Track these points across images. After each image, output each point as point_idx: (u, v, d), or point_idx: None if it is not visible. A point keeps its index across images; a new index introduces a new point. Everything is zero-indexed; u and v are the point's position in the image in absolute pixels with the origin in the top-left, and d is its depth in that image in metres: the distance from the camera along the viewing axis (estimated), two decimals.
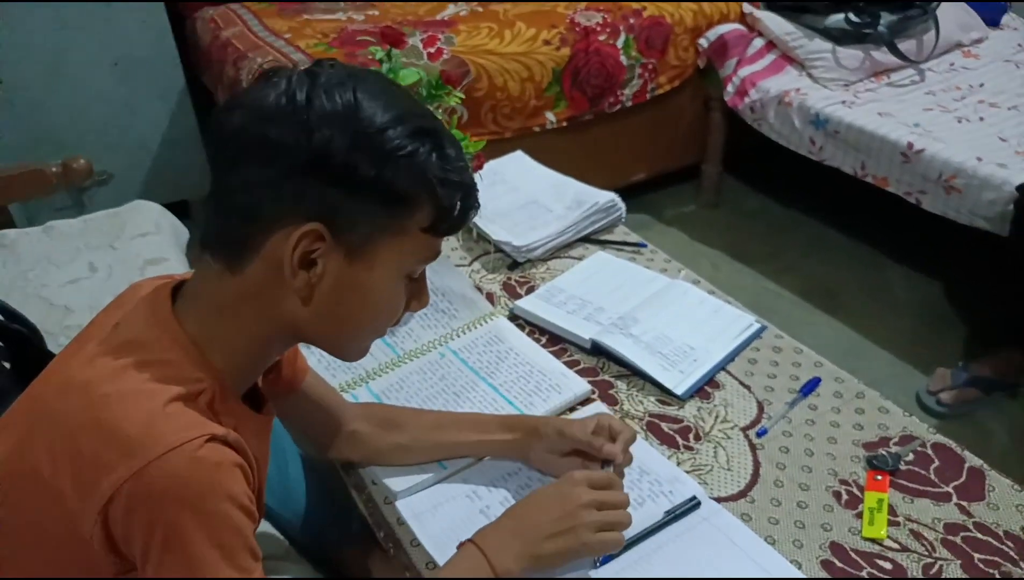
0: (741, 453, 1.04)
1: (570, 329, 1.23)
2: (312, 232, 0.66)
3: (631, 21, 2.39)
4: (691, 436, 1.07)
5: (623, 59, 2.38)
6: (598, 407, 1.11)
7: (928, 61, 2.46)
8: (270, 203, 0.66)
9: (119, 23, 2.25)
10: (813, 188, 2.63)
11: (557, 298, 1.30)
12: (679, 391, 1.12)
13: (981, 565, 0.89)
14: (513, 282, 1.38)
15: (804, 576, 0.88)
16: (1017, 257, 1.79)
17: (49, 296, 1.49)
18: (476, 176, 0.75)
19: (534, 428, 0.98)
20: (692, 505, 0.94)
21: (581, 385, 1.13)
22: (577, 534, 0.83)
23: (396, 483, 0.98)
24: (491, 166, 1.62)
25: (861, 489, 0.98)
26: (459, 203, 0.72)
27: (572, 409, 1.11)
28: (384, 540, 0.96)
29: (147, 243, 1.64)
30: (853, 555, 0.90)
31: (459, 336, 1.23)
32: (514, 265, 1.42)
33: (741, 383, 1.15)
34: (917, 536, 0.92)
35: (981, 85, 2.35)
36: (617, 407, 1.11)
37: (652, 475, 0.99)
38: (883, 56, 2.39)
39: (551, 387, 1.12)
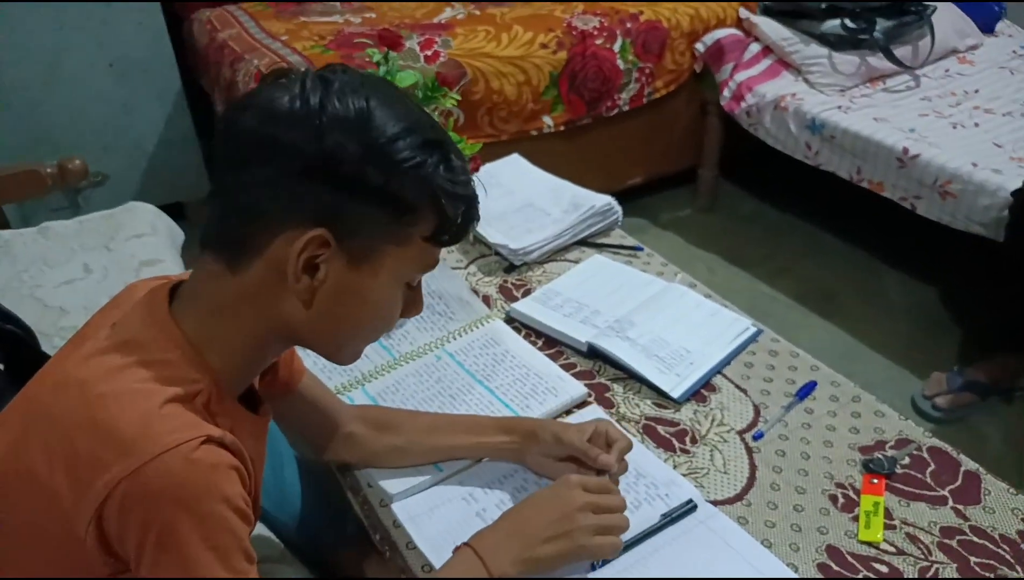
0: (737, 456, 1.04)
1: (566, 332, 1.23)
2: (318, 237, 0.66)
3: (628, 25, 2.39)
4: (687, 439, 1.07)
5: (620, 63, 2.38)
6: (595, 410, 1.11)
7: (923, 67, 2.47)
8: (276, 205, 0.66)
9: (115, 24, 2.25)
10: (809, 193, 2.64)
11: (553, 301, 1.30)
12: (675, 394, 1.12)
13: (977, 568, 0.89)
14: (509, 285, 1.38)
15: (800, 579, 0.88)
16: (1012, 262, 1.80)
17: (44, 297, 1.49)
18: (474, 177, 0.76)
19: (531, 431, 0.98)
20: (688, 508, 0.94)
21: (577, 388, 1.13)
22: (573, 537, 0.83)
23: (392, 485, 0.98)
24: (488, 169, 1.62)
25: (857, 492, 0.98)
26: (462, 215, 0.73)
27: (569, 412, 1.10)
28: (380, 543, 0.96)
29: (142, 244, 1.64)
30: (849, 558, 0.90)
31: (455, 339, 1.23)
32: (510, 268, 1.42)
33: (737, 386, 1.15)
34: (913, 539, 0.92)
35: (976, 91, 2.37)
36: (613, 410, 1.11)
37: (648, 478, 0.99)
38: (879, 62, 2.40)
39: (547, 390, 1.12)
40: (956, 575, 0.88)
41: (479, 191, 0.76)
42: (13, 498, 0.68)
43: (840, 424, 1.08)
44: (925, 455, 1.03)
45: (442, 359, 1.19)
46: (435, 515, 0.95)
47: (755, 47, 2.48)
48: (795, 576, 0.88)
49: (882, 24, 2.38)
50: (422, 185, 0.69)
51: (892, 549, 0.91)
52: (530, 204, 1.56)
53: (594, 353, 1.20)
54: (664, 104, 2.55)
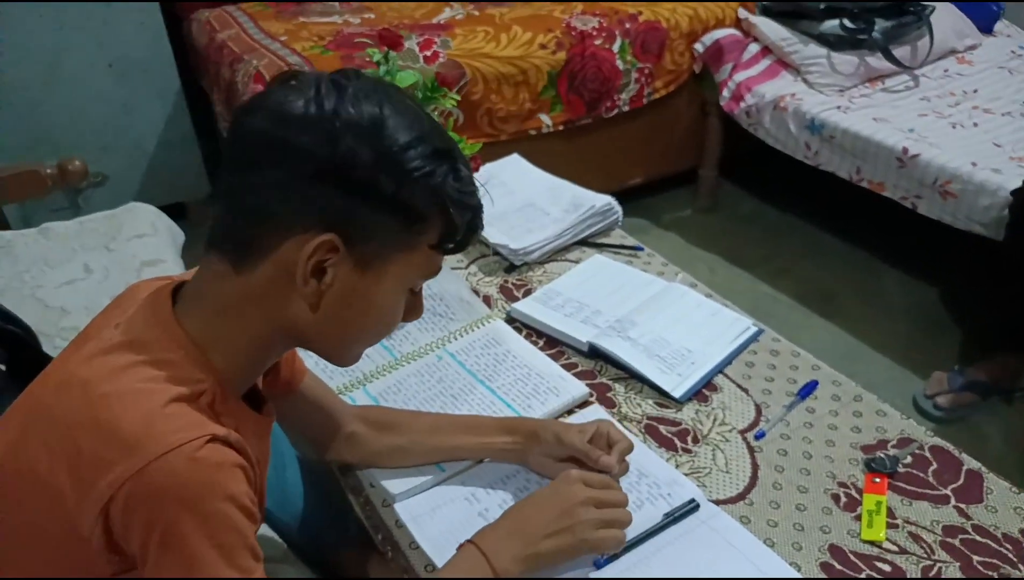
0: (739, 456, 1.04)
1: (568, 332, 1.23)
2: (327, 242, 0.67)
3: (627, 26, 2.39)
4: (689, 439, 1.07)
5: (619, 63, 2.38)
6: (596, 410, 1.11)
7: (922, 67, 2.48)
8: (286, 208, 0.67)
9: (115, 25, 2.25)
10: (809, 193, 2.64)
11: (554, 301, 1.30)
12: (677, 394, 1.12)
13: (980, 567, 0.89)
14: (510, 285, 1.38)
15: (803, 578, 0.88)
16: (1012, 261, 1.80)
17: (44, 297, 1.49)
18: (479, 184, 0.77)
19: (533, 432, 0.98)
20: (691, 508, 0.94)
21: (579, 388, 1.13)
22: (575, 532, 0.83)
23: (394, 486, 0.98)
24: (488, 169, 1.62)
25: (859, 491, 0.98)
26: (468, 224, 0.74)
27: (570, 411, 1.10)
28: (382, 543, 0.96)
29: (143, 245, 1.63)
30: (852, 557, 0.90)
31: (456, 339, 1.23)
32: (511, 268, 1.42)
33: (739, 386, 1.15)
34: (916, 538, 0.92)
35: (975, 91, 2.37)
36: (615, 410, 1.11)
37: (651, 478, 0.99)
38: (878, 62, 2.41)
39: (549, 390, 1.12)
40: (959, 574, 0.88)
41: (484, 197, 0.77)
42: (14, 497, 0.68)
43: (842, 423, 1.08)
44: (927, 454, 1.03)
45: (443, 359, 1.19)
46: (437, 515, 0.95)
47: (754, 47, 2.48)
48: (798, 575, 0.88)
49: (881, 24, 2.38)
50: (432, 194, 0.69)
51: (895, 548, 0.91)
52: (530, 204, 1.56)
53: (595, 353, 1.20)
54: (664, 104, 2.55)
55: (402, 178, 0.67)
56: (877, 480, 0.99)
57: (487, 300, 1.34)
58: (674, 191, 2.80)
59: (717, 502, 0.97)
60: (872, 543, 0.92)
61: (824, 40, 2.41)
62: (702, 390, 1.14)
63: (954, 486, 0.99)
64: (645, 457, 1.02)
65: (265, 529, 1.06)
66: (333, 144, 0.65)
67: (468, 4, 2.56)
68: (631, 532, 0.88)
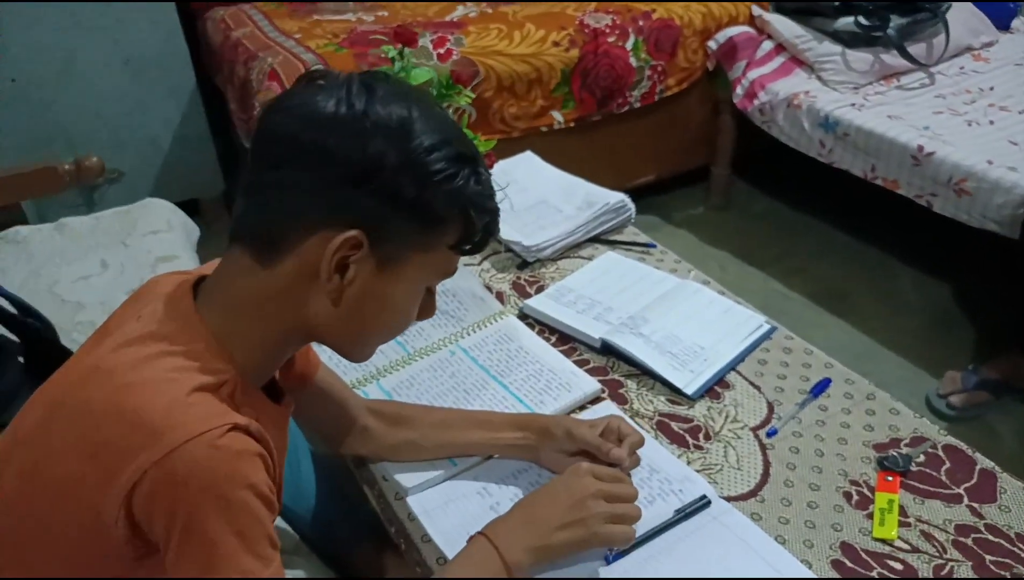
0: (751, 453, 1.04)
1: (580, 328, 1.23)
2: (352, 239, 0.68)
3: (640, 23, 2.39)
4: (701, 436, 1.07)
5: (632, 61, 2.38)
6: (608, 406, 1.11)
7: (938, 64, 2.46)
8: (315, 206, 0.68)
9: (131, 22, 2.26)
10: (822, 191, 2.63)
11: (567, 297, 1.30)
12: (689, 391, 1.12)
13: (992, 567, 0.88)
14: (523, 281, 1.39)
15: (814, 576, 0.88)
16: None
17: (61, 292, 1.50)
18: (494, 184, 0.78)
19: (544, 428, 0.98)
20: (702, 504, 0.94)
21: (591, 384, 1.13)
22: (587, 524, 0.83)
23: (407, 479, 0.98)
24: (501, 166, 1.62)
25: (872, 490, 0.98)
26: (486, 226, 0.76)
27: (582, 407, 1.11)
28: (395, 536, 0.97)
29: (158, 240, 1.65)
30: (864, 555, 0.90)
31: (469, 334, 1.24)
32: (523, 265, 1.43)
33: (751, 383, 1.15)
34: (928, 537, 0.92)
35: (991, 89, 2.35)
36: (627, 406, 1.11)
37: (662, 474, 0.99)
38: (893, 59, 2.39)
39: (561, 386, 1.12)
40: (971, 573, 0.88)
41: (501, 196, 0.79)
42: (35, 486, 0.69)
43: (854, 422, 1.08)
44: (940, 453, 1.03)
45: (456, 355, 1.20)
46: (450, 509, 0.96)
47: (768, 45, 2.47)
48: (809, 573, 0.88)
49: (896, 21, 2.36)
50: (454, 197, 0.71)
51: (907, 547, 0.91)
52: (543, 201, 1.57)
53: (607, 349, 1.20)
54: (676, 102, 2.54)
55: (427, 180, 0.69)
56: (890, 478, 0.99)
57: (500, 296, 1.34)
58: (687, 189, 2.79)
59: (728, 499, 0.97)
60: (884, 541, 0.92)
61: (838, 37, 2.39)
62: (714, 387, 1.14)
63: (967, 485, 0.99)
64: (657, 453, 1.02)
65: (278, 521, 1.07)
66: (363, 146, 0.66)
67: (481, 2, 2.56)
68: (642, 527, 0.89)
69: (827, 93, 2.33)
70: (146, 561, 0.68)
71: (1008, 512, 0.95)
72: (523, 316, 1.29)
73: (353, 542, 1.15)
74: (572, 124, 2.39)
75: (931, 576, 0.88)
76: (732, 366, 1.18)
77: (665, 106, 2.52)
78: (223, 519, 0.63)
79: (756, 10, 2.52)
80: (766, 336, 1.24)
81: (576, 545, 0.84)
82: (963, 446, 1.04)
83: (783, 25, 2.44)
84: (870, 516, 0.95)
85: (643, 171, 2.62)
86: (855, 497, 0.97)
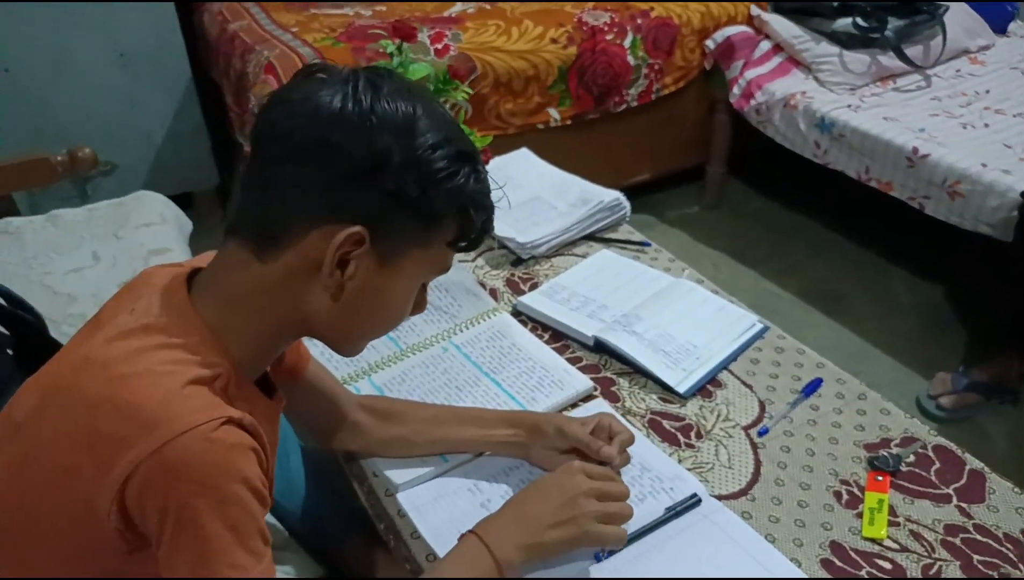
0: (742, 452, 1.04)
1: (573, 326, 1.23)
2: (355, 235, 0.68)
3: (638, 21, 2.39)
4: (693, 434, 1.07)
5: (630, 59, 2.38)
6: (600, 404, 1.11)
7: (934, 67, 2.46)
8: (318, 201, 0.68)
9: (126, 15, 2.25)
10: (817, 191, 2.64)
11: (560, 295, 1.30)
12: (681, 389, 1.12)
13: (980, 567, 0.89)
14: (516, 278, 1.39)
15: (804, 575, 0.88)
16: (1020, 263, 1.80)
17: (52, 284, 1.50)
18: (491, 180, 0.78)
19: (535, 425, 0.98)
20: (693, 502, 0.94)
21: (583, 381, 1.13)
22: (579, 523, 0.83)
23: (397, 475, 0.98)
24: (497, 162, 1.62)
25: (862, 489, 0.98)
26: (483, 224, 0.76)
27: (574, 405, 1.11)
28: (384, 532, 0.97)
29: (151, 233, 1.64)
30: (853, 554, 0.90)
31: (462, 331, 1.24)
32: (517, 261, 1.43)
33: (743, 382, 1.15)
34: (917, 537, 0.92)
35: (987, 92, 2.36)
36: (619, 404, 1.12)
37: (653, 472, 0.99)
38: (890, 61, 2.40)
39: (553, 383, 1.12)
40: (959, 573, 0.88)
41: (500, 194, 0.80)
42: (27, 477, 0.69)
43: (845, 421, 1.08)
44: (930, 453, 1.03)
45: (449, 351, 1.20)
46: (440, 505, 0.96)
47: (765, 45, 2.47)
48: (798, 571, 0.88)
49: (893, 23, 2.37)
50: (455, 195, 0.71)
51: (896, 546, 0.91)
52: (538, 198, 1.56)
53: (600, 347, 1.20)
54: (673, 101, 2.54)
55: (430, 178, 0.69)
56: (880, 478, 0.99)
57: (493, 293, 1.34)
58: (681, 187, 2.80)
59: (719, 497, 0.97)
60: (873, 541, 0.92)
61: (836, 38, 2.40)
62: (706, 386, 1.14)
63: (956, 485, 0.99)
64: (648, 451, 1.02)
65: (268, 516, 1.07)
66: (369, 143, 0.66)
67: None
68: (632, 525, 0.89)
69: (824, 94, 2.33)
70: (137, 554, 0.68)
71: (996, 512, 0.95)
72: (516, 313, 1.29)
73: (343, 538, 1.15)
74: (568, 121, 2.39)
75: (920, 576, 0.88)
76: (724, 365, 1.18)
77: (662, 105, 2.53)
78: (216, 513, 0.63)
79: (754, 10, 2.52)
80: (759, 335, 1.24)
81: (568, 544, 0.84)
82: (953, 447, 1.04)
83: (781, 25, 2.44)
84: (860, 515, 0.95)
85: (639, 169, 2.63)
86: (845, 496, 0.98)
